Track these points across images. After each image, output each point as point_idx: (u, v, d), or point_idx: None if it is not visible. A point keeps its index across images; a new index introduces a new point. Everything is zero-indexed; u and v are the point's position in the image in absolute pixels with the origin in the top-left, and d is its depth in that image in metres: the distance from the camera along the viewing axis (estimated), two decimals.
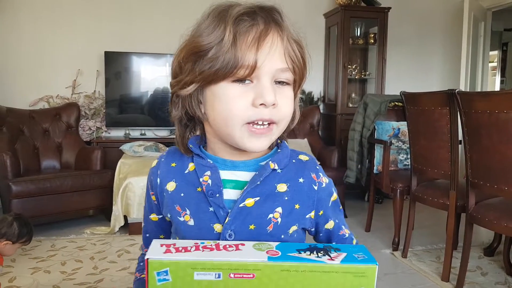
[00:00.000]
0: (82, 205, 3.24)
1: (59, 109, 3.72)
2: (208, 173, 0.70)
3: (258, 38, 0.62)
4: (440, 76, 4.93)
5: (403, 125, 3.15)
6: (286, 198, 0.71)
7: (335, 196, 0.79)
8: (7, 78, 3.95)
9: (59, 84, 4.03)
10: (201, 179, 0.70)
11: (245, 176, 0.71)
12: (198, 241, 0.60)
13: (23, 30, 3.98)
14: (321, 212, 0.76)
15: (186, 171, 0.73)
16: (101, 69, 4.05)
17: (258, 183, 0.69)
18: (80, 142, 3.68)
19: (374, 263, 0.56)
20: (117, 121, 4.09)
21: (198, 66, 0.64)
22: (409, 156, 2.97)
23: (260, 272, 0.54)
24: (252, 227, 0.68)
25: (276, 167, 0.71)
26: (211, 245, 0.58)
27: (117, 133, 4.15)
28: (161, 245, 0.58)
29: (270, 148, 0.75)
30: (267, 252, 0.57)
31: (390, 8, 4.31)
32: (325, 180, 0.77)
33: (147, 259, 0.54)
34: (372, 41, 4.46)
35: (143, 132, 4.15)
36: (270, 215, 0.69)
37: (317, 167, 0.77)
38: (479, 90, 4.33)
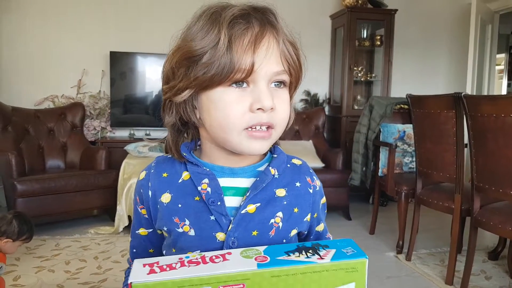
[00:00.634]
0: (87, 205, 3.25)
1: (64, 108, 3.74)
2: (206, 181, 0.68)
3: (254, 41, 0.60)
4: (446, 79, 4.91)
5: (408, 128, 3.14)
6: (285, 202, 0.70)
7: (324, 199, 0.79)
8: (13, 77, 3.97)
9: (65, 83, 4.05)
10: (199, 188, 0.67)
11: (244, 182, 0.70)
12: (183, 256, 0.57)
13: (29, 30, 4.00)
14: (315, 215, 0.76)
15: (180, 180, 0.70)
16: (106, 69, 4.06)
17: (261, 189, 0.68)
18: (85, 142, 3.69)
19: (364, 257, 0.56)
20: (122, 121, 4.10)
21: (193, 71, 0.62)
22: (414, 159, 2.96)
23: (250, 281, 0.53)
24: (255, 233, 0.67)
25: (276, 173, 0.70)
26: (196, 258, 0.56)
27: (122, 133, 4.17)
28: (144, 265, 0.55)
29: (264, 153, 0.74)
30: (255, 259, 0.55)
31: (396, 10, 4.29)
32: (318, 183, 0.77)
33: (130, 283, 0.51)
34: (379, 43, 4.44)
35: (147, 132, 4.16)
36: (272, 220, 0.69)
37: (311, 171, 0.77)
38: (485, 93, 4.30)
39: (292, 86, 0.69)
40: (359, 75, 4.44)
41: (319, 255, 0.56)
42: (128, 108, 4.14)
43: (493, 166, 2.02)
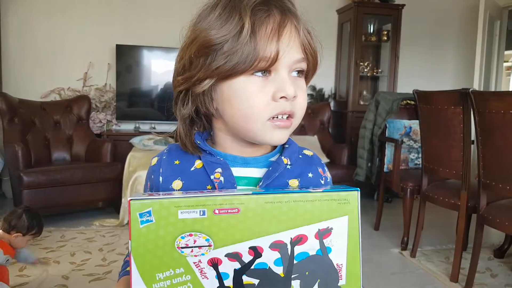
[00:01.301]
0: (92, 197, 3.27)
1: (70, 101, 3.75)
2: (219, 170, 0.67)
3: (278, 28, 0.60)
4: (454, 75, 4.87)
5: (414, 124, 3.12)
6: None
7: None
8: (19, 70, 3.98)
9: (71, 76, 4.05)
10: (212, 177, 0.66)
11: (256, 172, 0.69)
12: (182, 191, 0.59)
13: (36, 23, 4.00)
14: None
15: (193, 169, 0.69)
16: (112, 62, 4.06)
17: (273, 178, 0.68)
18: (91, 134, 3.70)
19: (355, 189, 0.57)
20: (127, 114, 4.10)
21: (214, 61, 0.61)
22: (420, 155, 2.94)
23: (244, 206, 0.54)
24: None
25: (289, 162, 0.70)
26: (195, 192, 0.58)
27: (127, 126, 4.17)
28: (144, 194, 0.57)
29: None
30: (251, 191, 0.57)
31: (404, 5, 4.26)
32: (328, 175, 0.77)
33: (129, 200, 0.53)
34: (385, 38, 4.42)
35: (153, 125, 4.16)
36: None
37: (322, 162, 0.77)
38: (493, 89, 4.27)
39: (309, 74, 0.69)
40: (365, 70, 4.42)
41: (313, 188, 0.59)
42: (134, 102, 4.15)
43: (500, 163, 2.00)
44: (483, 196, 2.16)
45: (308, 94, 4.48)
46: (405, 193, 2.79)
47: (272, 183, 0.68)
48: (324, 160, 3.65)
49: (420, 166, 2.78)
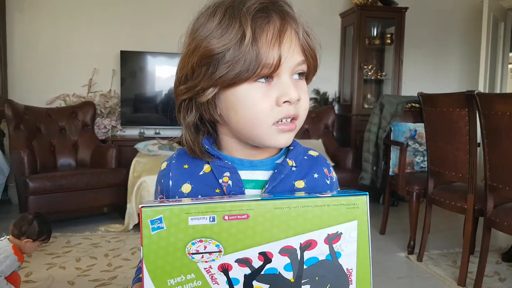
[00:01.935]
0: (97, 203, 3.28)
1: (75, 107, 3.77)
2: (227, 174, 0.68)
3: (278, 34, 0.60)
4: (458, 77, 4.86)
5: (419, 127, 3.11)
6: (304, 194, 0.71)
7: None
8: (25, 76, 4.01)
9: (76, 82, 4.08)
10: (220, 180, 0.68)
11: (263, 175, 0.70)
12: (193, 198, 0.60)
13: (41, 31, 4.03)
14: None
15: (201, 173, 0.70)
16: (117, 68, 4.08)
17: (279, 180, 0.69)
18: (96, 140, 3.72)
19: (365, 194, 0.57)
20: (132, 120, 4.12)
21: (217, 70, 0.61)
22: (425, 158, 2.93)
23: (254, 212, 0.54)
24: None
25: (294, 164, 0.71)
26: (204, 198, 0.59)
27: (132, 131, 4.19)
28: (155, 201, 0.58)
29: None
30: (260, 197, 0.58)
31: (407, 8, 4.26)
32: (334, 175, 0.78)
33: (141, 207, 0.54)
34: (389, 41, 4.41)
35: (157, 131, 4.18)
36: None
37: (327, 162, 0.78)
38: (498, 91, 4.25)
39: (310, 75, 0.69)
40: (369, 73, 4.41)
41: (321, 194, 0.59)
42: (138, 107, 4.16)
43: (506, 165, 1.99)
44: (490, 199, 2.14)
45: (312, 98, 4.49)
46: (411, 196, 2.77)
47: (278, 185, 0.69)
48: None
49: (426, 169, 2.77)
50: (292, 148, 0.73)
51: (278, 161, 0.72)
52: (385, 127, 3.21)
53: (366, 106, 4.36)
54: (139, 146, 3.57)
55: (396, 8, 4.30)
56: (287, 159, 0.71)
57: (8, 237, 1.96)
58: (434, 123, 2.54)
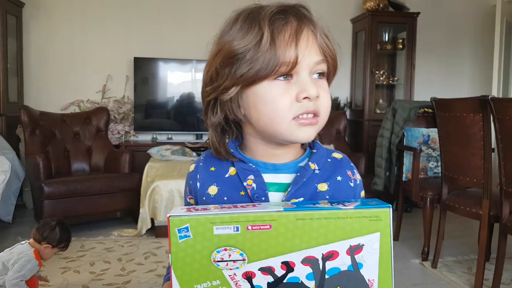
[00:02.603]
0: (110, 207, 3.30)
1: (90, 113, 3.81)
2: (252, 177, 0.71)
3: (295, 34, 0.63)
4: (471, 82, 4.82)
5: (433, 132, 3.08)
6: (327, 196, 0.73)
7: (363, 192, 0.81)
8: (40, 83, 4.08)
9: (90, 89, 4.14)
10: (244, 183, 0.70)
11: (286, 178, 0.72)
12: (218, 205, 0.62)
13: (56, 37, 4.10)
14: None
15: (227, 175, 0.73)
16: (130, 74, 4.13)
17: (301, 184, 0.70)
18: (109, 145, 3.75)
19: (387, 206, 0.58)
20: (145, 125, 4.16)
21: (238, 69, 0.65)
22: (439, 164, 2.90)
23: (276, 223, 0.55)
24: None
25: (316, 168, 0.73)
26: (229, 206, 0.60)
27: (145, 137, 4.22)
28: (182, 208, 0.60)
29: (304, 148, 0.77)
30: (283, 206, 0.58)
31: (419, 13, 4.24)
32: (358, 177, 0.79)
33: (169, 216, 0.56)
34: (401, 46, 4.40)
35: (170, 136, 4.21)
36: None
37: (351, 164, 0.79)
38: (511, 96, 4.20)
39: (330, 75, 0.72)
40: (381, 78, 4.40)
41: (343, 205, 0.59)
42: (151, 113, 4.20)
43: None
44: (505, 205, 2.12)
45: None
46: (425, 202, 2.75)
47: (300, 188, 0.70)
48: None
49: (440, 174, 2.75)
50: (315, 151, 0.75)
51: (301, 164, 0.74)
52: (397, 132, 3.20)
53: (378, 111, 4.34)
54: (152, 151, 3.60)
55: (408, 13, 4.29)
56: (309, 163, 0.72)
57: (28, 241, 1.99)
58: (448, 128, 2.53)
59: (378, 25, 4.25)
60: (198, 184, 0.75)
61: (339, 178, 0.74)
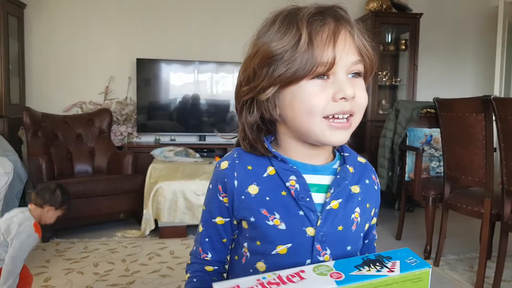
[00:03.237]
0: (114, 209, 3.31)
1: (92, 114, 3.83)
2: (293, 177, 0.71)
3: (333, 35, 0.64)
4: (473, 82, 4.82)
5: (435, 132, 3.09)
6: (360, 198, 0.75)
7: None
8: (42, 84, 4.10)
9: (92, 90, 4.16)
10: (287, 184, 0.71)
11: (324, 179, 0.74)
12: (259, 277, 0.57)
13: (58, 39, 4.12)
14: (376, 210, 0.81)
15: (265, 175, 0.73)
16: (133, 75, 4.15)
17: (343, 186, 0.73)
18: (112, 147, 3.77)
19: (428, 266, 0.59)
20: (148, 126, 4.18)
21: (276, 70, 0.66)
22: (441, 164, 2.91)
23: None
24: (340, 228, 0.72)
25: (353, 171, 0.75)
26: (273, 279, 0.57)
27: (148, 138, 4.24)
28: (228, 281, 0.56)
29: (333, 152, 0.78)
30: (331, 276, 0.57)
31: (422, 14, 4.24)
32: (378, 180, 0.82)
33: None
34: (404, 47, 4.40)
35: (173, 137, 4.22)
36: (352, 216, 0.74)
37: (373, 168, 0.82)
38: None
39: (367, 75, 0.72)
40: (383, 79, 4.40)
41: (387, 267, 0.59)
42: (153, 114, 4.22)
43: None
44: (507, 204, 2.12)
45: None
46: (427, 201, 2.76)
47: (341, 190, 0.72)
48: None
49: (442, 174, 2.75)
50: (347, 154, 0.77)
51: (334, 166, 0.75)
52: (400, 133, 3.20)
53: (381, 112, 4.35)
54: (155, 152, 3.62)
55: (410, 14, 4.29)
56: (347, 166, 0.75)
57: (29, 207, 1.97)
58: (450, 128, 2.53)
59: (381, 26, 4.25)
60: (235, 182, 0.73)
61: (367, 181, 0.78)
